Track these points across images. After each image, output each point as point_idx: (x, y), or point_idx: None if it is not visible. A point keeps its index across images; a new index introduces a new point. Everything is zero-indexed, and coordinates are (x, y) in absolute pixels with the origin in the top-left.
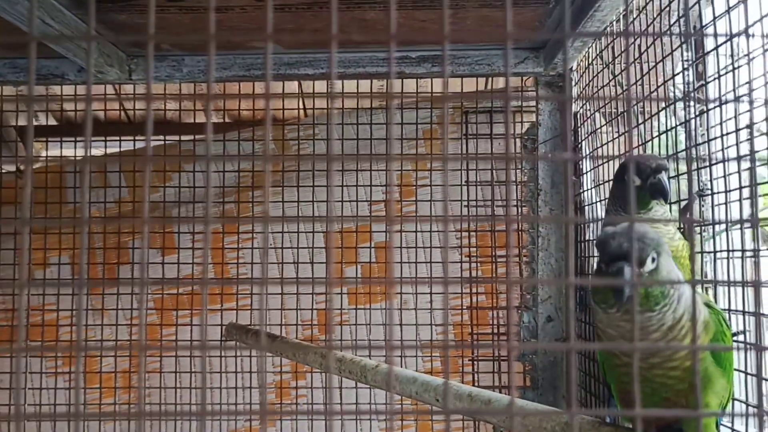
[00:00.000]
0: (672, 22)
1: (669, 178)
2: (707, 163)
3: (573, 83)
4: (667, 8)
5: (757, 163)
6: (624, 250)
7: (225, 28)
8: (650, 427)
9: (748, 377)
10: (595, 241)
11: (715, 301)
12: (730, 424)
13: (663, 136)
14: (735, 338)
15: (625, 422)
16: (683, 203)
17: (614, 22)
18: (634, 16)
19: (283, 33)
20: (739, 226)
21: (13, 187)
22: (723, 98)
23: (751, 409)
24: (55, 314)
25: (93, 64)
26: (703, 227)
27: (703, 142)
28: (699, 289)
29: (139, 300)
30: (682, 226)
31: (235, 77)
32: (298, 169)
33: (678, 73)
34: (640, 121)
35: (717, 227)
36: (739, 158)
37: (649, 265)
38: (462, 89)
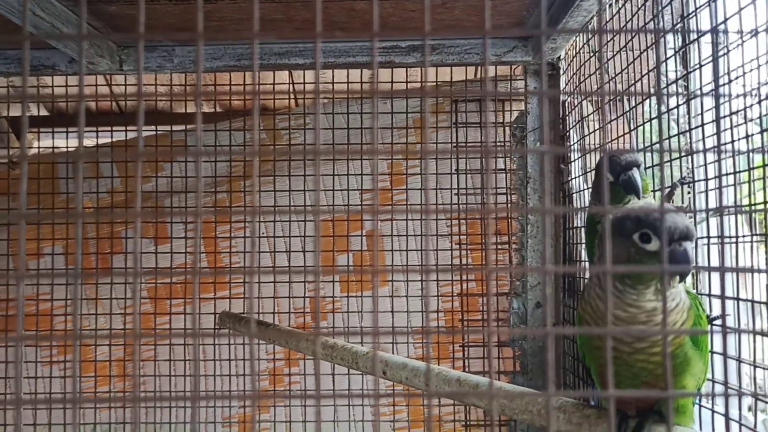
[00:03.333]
0: (658, 11)
1: (646, 170)
2: (682, 154)
3: (561, 71)
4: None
5: (728, 154)
6: (690, 232)
7: (215, 18)
8: (630, 410)
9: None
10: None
11: (700, 286)
12: (706, 403)
13: (653, 122)
14: (713, 322)
15: (604, 404)
16: (667, 191)
17: (601, 12)
18: (620, 6)
19: (269, 29)
20: (718, 213)
21: (6, 179)
22: (700, 90)
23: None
24: (49, 304)
25: (84, 59)
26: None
27: (685, 131)
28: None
29: (133, 289)
30: None
31: (226, 67)
32: (290, 159)
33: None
34: (627, 108)
35: (699, 215)
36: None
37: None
38: (451, 78)
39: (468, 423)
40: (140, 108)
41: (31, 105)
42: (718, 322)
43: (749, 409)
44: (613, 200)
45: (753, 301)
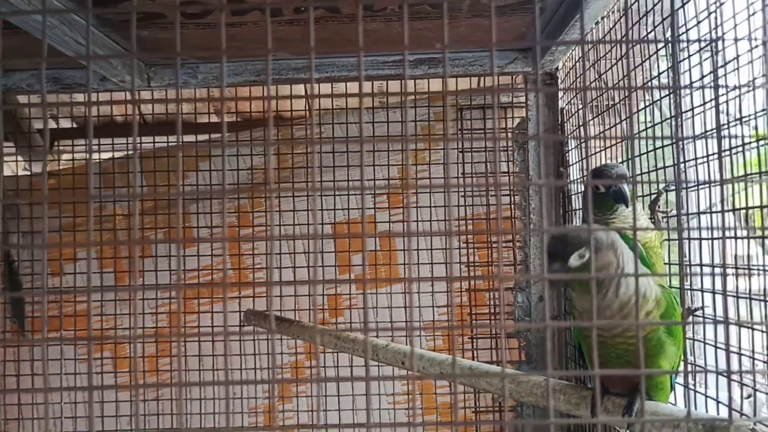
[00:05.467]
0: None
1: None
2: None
3: (559, 81)
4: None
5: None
6: (553, 251)
7: (238, 39)
8: (617, 388)
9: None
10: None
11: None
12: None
13: (646, 126)
14: (695, 313)
15: (593, 382)
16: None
17: (597, 23)
18: (617, 19)
19: (287, 48)
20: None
21: (41, 189)
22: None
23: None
24: (84, 305)
25: (117, 76)
26: (669, 217)
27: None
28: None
29: (169, 294)
30: (652, 217)
31: (246, 82)
32: (307, 166)
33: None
34: (623, 117)
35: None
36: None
37: (574, 260)
38: (457, 87)
39: (477, 409)
40: (179, 118)
41: (62, 120)
42: (700, 312)
43: (748, 396)
44: (603, 209)
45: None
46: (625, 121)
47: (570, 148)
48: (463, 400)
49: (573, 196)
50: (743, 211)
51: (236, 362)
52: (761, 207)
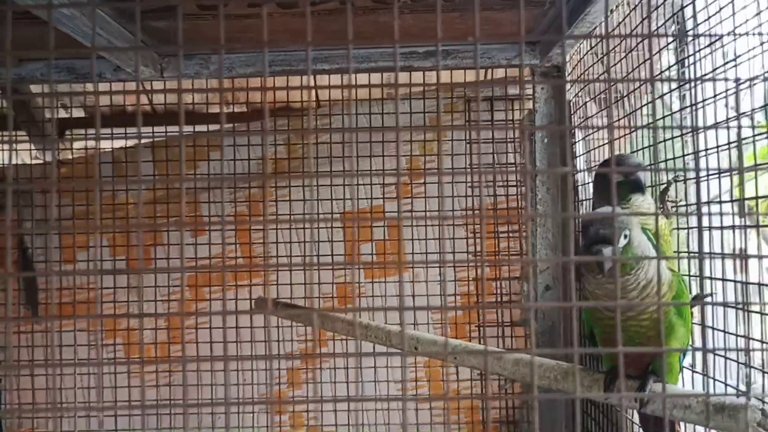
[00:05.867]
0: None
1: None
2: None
3: (567, 74)
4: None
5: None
6: (601, 236)
7: (252, 30)
8: (628, 370)
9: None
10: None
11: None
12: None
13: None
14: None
15: (606, 366)
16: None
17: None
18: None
19: (302, 40)
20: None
21: (48, 177)
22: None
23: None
24: (97, 292)
25: (131, 67)
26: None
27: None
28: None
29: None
30: (662, 206)
31: (258, 73)
32: (318, 156)
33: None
34: (628, 110)
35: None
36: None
37: (622, 242)
38: (465, 79)
39: (484, 396)
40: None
41: (73, 108)
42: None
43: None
44: (618, 197)
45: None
46: (630, 115)
47: (576, 140)
48: (470, 387)
49: (579, 187)
50: (748, 202)
51: (246, 349)
52: None
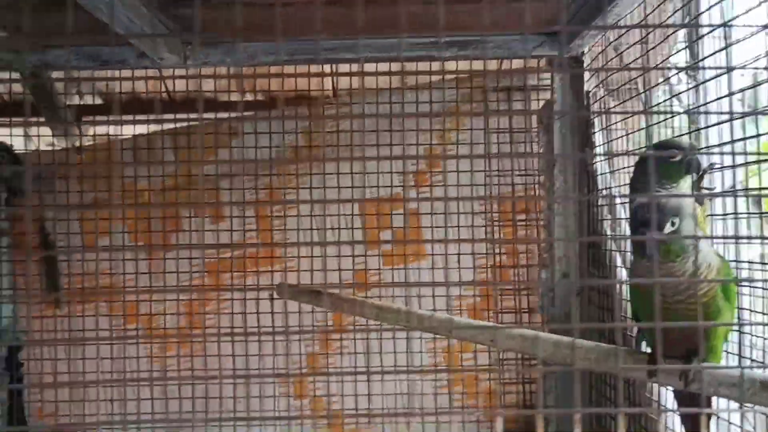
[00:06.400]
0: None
1: None
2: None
3: (586, 65)
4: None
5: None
6: (647, 219)
7: (284, 21)
8: (671, 351)
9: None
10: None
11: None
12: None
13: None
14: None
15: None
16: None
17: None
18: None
19: (330, 30)
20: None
21: (66, 163)
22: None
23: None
24: (118, 278)
25: (157, 54)
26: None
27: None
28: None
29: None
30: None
31: (280, 61)
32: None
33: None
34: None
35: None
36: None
37: (668, 228)
38: (485, 69)
39: (502, 381)
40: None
41: (92, 95)
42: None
43: None
44: (670, 179)
45: None
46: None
47: (595, 130)
48: (488, 371)
49: (598, 177)
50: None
51: (265, 339)
52: None
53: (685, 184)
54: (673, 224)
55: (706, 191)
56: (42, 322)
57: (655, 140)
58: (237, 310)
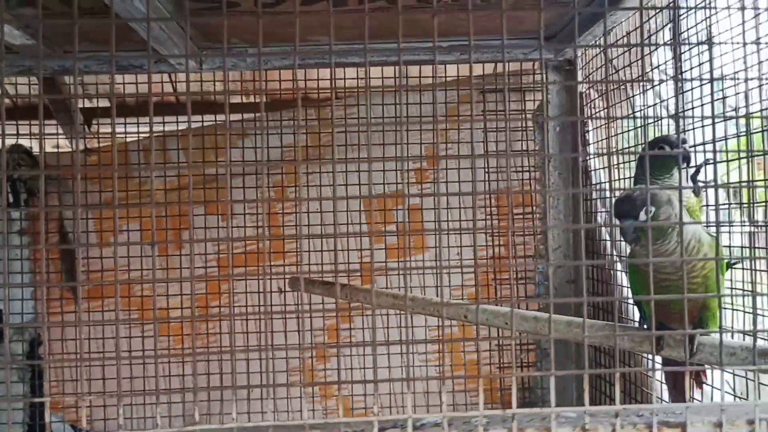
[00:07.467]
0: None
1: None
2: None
3: (579, 67)
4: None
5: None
6: (622, 211)
7: (301, 27)
8: (674, 324)
9: None
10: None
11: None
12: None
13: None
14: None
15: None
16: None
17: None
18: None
19: (342, 37)
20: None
21: (83, 165)
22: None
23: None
24: (129, 274)
25: (175, 59)
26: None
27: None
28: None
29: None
30: (693, 185)
31: (291, 66)
32: (347, 143)
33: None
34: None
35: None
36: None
37: (642, 217)
38: (483, 72)
39: (502, 365)
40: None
41: (105, 98)
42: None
43: None
44: (663, 171)
45: None
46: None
47: (590, 129)
48: (488, 356)
49: (591, 173)
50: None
51: (278, 325)
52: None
53: (679, 175)
54: (647, 212)
55: (702, 184)
56: (62, 317)
57: (649, 138)
58: (250, 302)
